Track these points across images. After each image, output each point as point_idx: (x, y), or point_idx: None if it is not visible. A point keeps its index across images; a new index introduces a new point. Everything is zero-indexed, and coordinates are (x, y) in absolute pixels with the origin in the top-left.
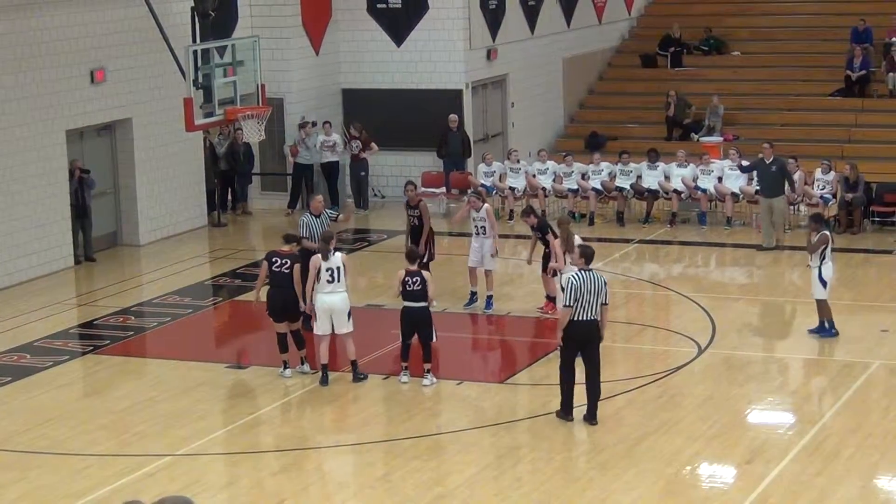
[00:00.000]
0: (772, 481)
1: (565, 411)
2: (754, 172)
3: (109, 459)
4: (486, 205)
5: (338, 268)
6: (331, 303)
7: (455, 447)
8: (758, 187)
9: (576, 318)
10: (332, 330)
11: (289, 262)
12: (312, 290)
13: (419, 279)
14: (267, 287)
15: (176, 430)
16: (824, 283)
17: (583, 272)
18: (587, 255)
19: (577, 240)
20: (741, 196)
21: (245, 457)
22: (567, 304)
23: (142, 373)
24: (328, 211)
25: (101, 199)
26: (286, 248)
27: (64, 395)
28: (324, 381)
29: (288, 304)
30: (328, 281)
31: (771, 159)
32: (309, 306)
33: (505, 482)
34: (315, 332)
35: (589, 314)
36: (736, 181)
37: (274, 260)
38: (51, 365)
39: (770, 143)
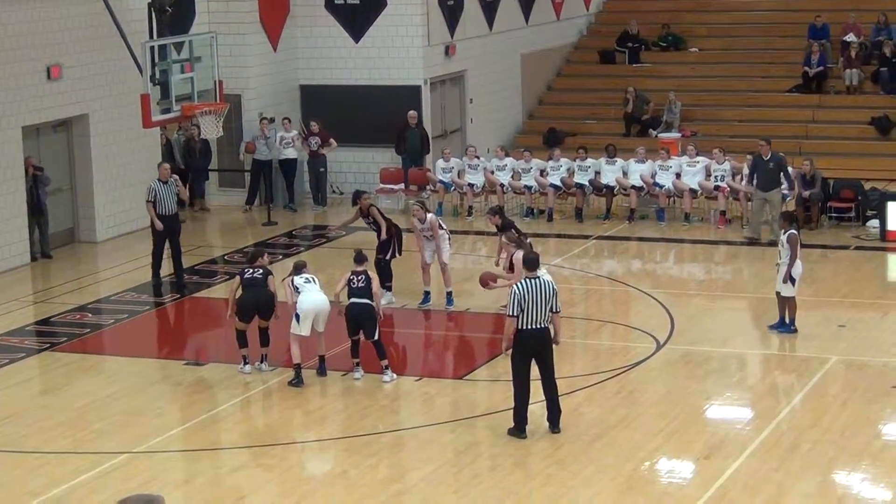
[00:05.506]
0: (730, 476)
1: (518, 428)
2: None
3: (66, 457)
4: (430, 215)
5: (312, 277)
6: (316, 302)
7: (414, 444)
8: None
9: (524, 328)
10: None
11: (262, 270)
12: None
13: (364, 277)
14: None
15: (133, 427)
16: (793, 281)
17: (528, 280)
18: (530, 262)
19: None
20: (699, 192)
21: (203, 454)
22: (511, 314)
23: (99, 370)
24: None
25: (58, 196)
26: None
27: (20, 392)
28: (299, 381)
29: (260, 303)
30: (305, 281)
31: (769, 156)
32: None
33: (464, 479)
34: (297, 331)
35: (538, 322)
36: (694, 177)
37: (245, 270)
38: (7, 362)
39: (767, 140)
